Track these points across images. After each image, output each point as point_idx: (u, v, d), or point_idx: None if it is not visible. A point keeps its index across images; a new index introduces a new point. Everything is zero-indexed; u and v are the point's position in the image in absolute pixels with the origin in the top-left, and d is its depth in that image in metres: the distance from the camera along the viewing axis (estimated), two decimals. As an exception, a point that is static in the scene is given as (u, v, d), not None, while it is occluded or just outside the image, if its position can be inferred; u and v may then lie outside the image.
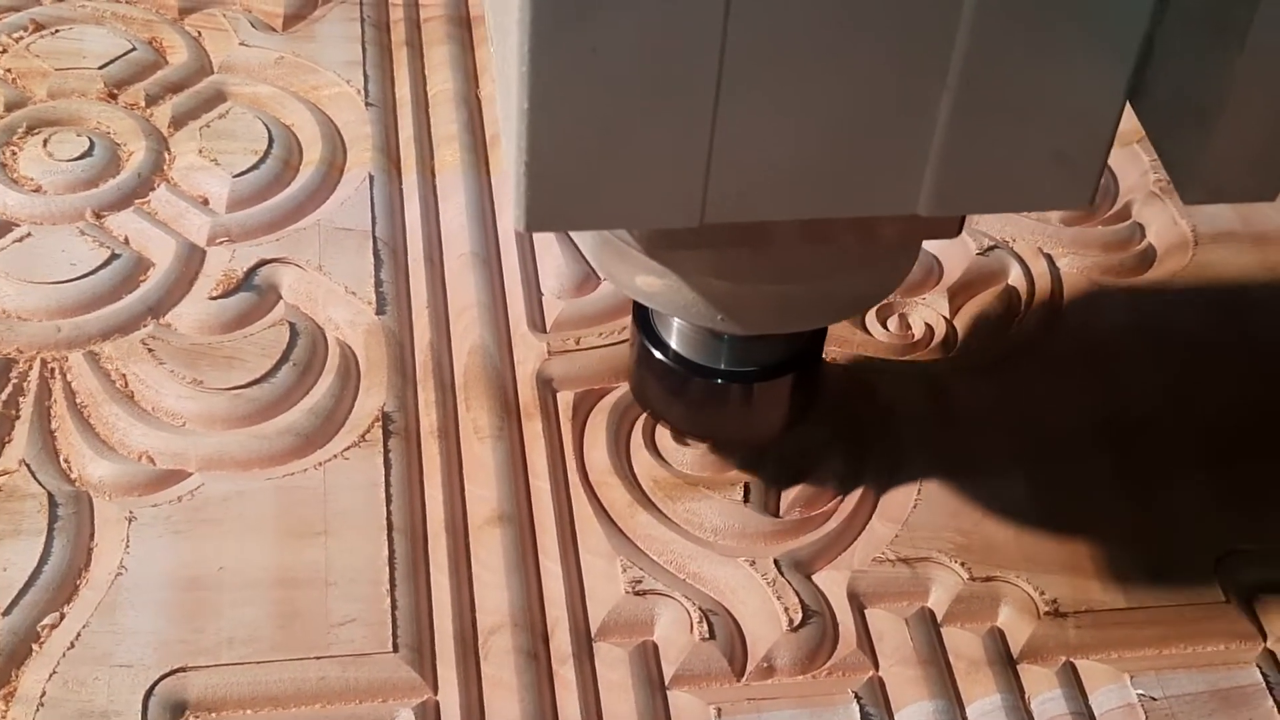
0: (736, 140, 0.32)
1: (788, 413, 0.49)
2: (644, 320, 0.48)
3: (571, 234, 0.47)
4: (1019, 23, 0.31)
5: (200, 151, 0.59)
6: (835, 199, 0.34)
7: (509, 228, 0.58)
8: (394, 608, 0.46)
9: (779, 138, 0.33)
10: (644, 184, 0.33)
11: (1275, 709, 0.46)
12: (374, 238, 0.57)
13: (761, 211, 0.34)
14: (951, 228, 0.40)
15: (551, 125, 0.31)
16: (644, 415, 0.52)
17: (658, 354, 0.47)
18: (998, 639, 0.47)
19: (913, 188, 0.34)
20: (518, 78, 0.30)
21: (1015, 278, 0.58)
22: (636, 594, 0.47)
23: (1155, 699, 0.45)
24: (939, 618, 0.47)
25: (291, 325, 0.53)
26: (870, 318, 0.56)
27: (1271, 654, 0.47)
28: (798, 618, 0.46)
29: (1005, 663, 0.46)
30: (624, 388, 0.53)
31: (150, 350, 0.52)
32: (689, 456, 0.51)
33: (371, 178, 0.59)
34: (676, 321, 0.47)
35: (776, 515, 0.50)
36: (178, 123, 0.61)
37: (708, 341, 0.46)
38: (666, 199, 0.33)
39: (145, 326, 0.53)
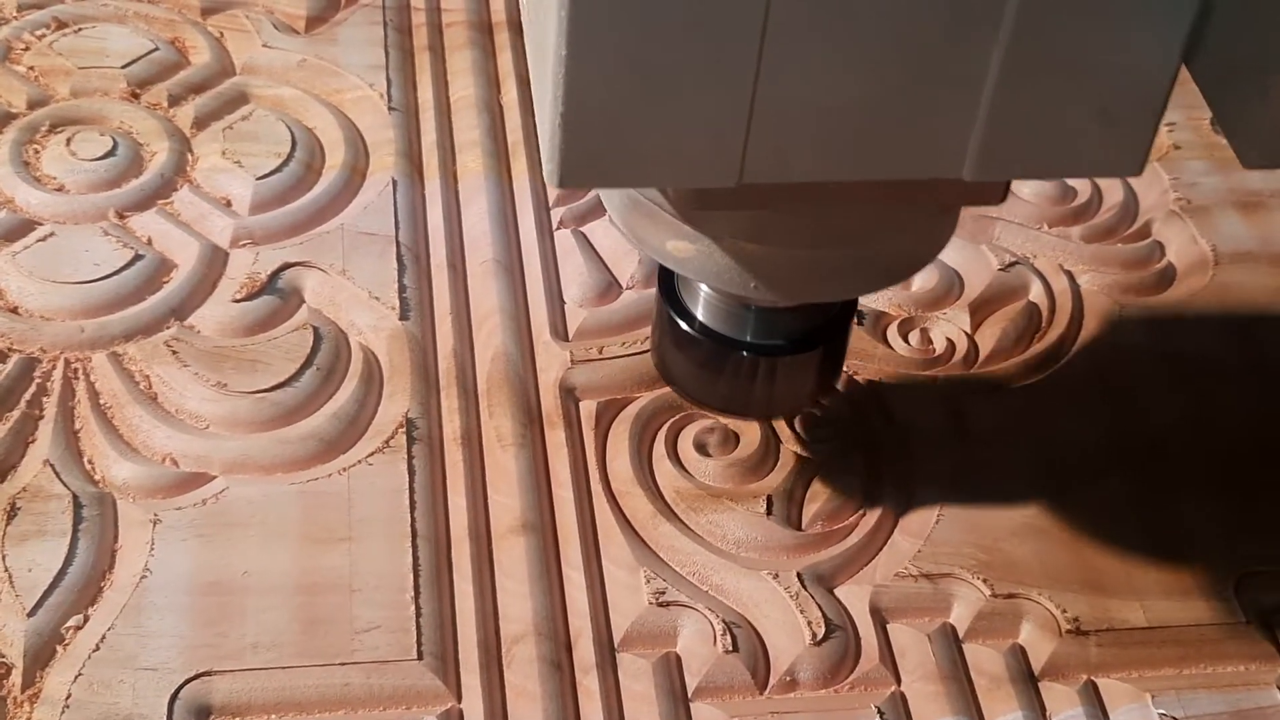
0: (779, 95, 0.31)
1: (814, 387, 0.49)
2: (669, 290, 0.47)
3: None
4: None
5: (223, 153, 0.59)
6: (879, 160, 0.33)
7: (531, 235, 0.58)
8: (418, 615, 0.46)
9: (823, 93, 0.32)
10: (683, 140, 0.32)
11: (1296, 730, 0.46)
12: (397, 243, 0.57)
13: (802, 172, 0.33)
14: (996, 193, 0.38)
15: (591, 73, 0.30)
16: (667, 425, 0.52)
17: (683, 325, 0.47)
18: (1019, 656, 0.47)
19: (959, 150, 0.33)
20: (557, 21, 0.29)
21: (1036, 294, 0.58)
22: (660, 605, 0.47)
23: (1176, 718, 0.45)
24: (961, 634, 0.48)
25: (315, 329, 0.53)
26: (892, 332, 0.56)
27: (1291, 675, 0.47)
28: (821, 631, 0.47)
29: (1027, 680, 0.47)
30: (647, 397, 0.53)
31: (174, 352, 0.52)
32: (712, 468, 0.51)
33: (395, 182, 0.59)
34: (702, 291, 0.46)
35: (799, 528, 0.50)
36: (200, 124, 0.61)
37: (734, 312, 0.46)
38: (705, 156, 0.33)
39: (168, 328, 0.53)
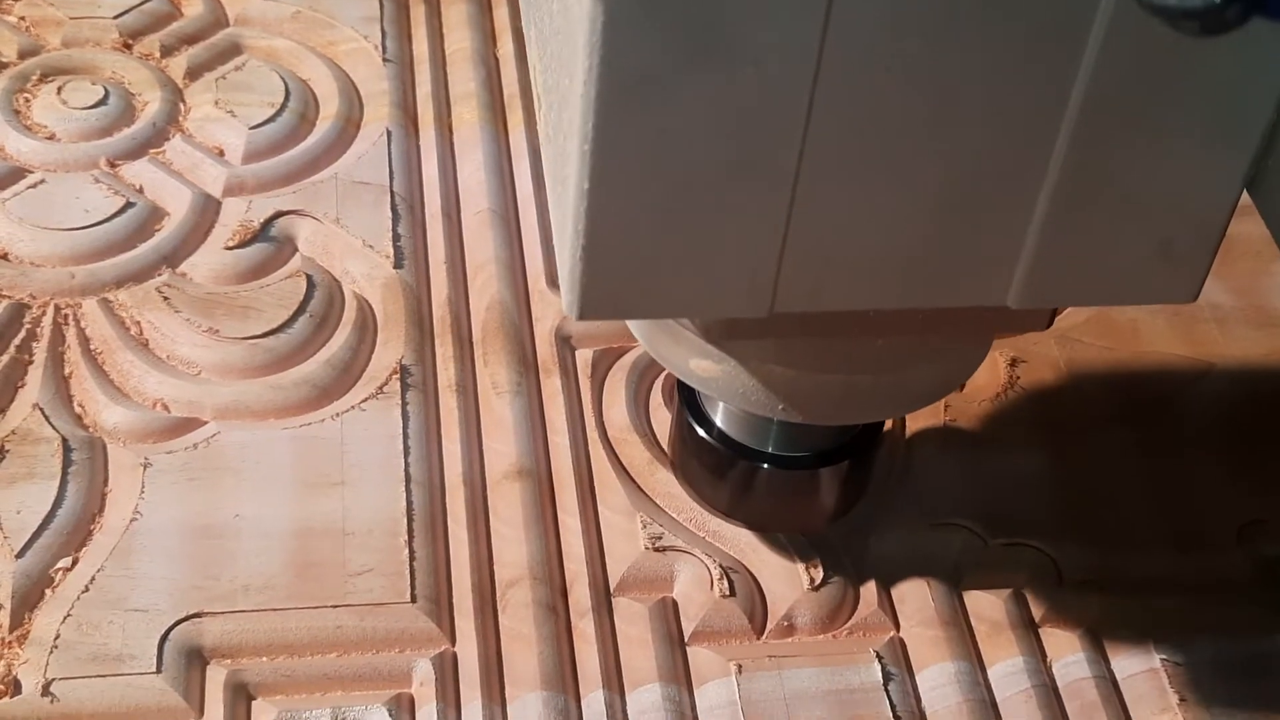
0: (815, 227, 0.30)
1: (838, 502, 0.46)
2: (689, 393, 0.45)
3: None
4: (1132, 113, 0.28)
5: (216, 103, 0.58)
6: (919, 289, 0.32)
7: (527, 186, 0.57)
8: (412, 559, 0.45)
9: (862, 225, 0.30)
10: (710, 272, 0.30)
11: (1298, 677, 0.45)
12: (391, 192, 0.56)
13: (837, 301, 0.31)
14: (1041, 320, 0.36)
15: (613, 207, 0.28)
16: (664, 373, 0.52)
17: (701, 431, 0.44)
18: (1020, 603, 0.47)
19: (1003, 278, 0.31)
20: (579, 155, 0.27)
21: (1036, 247, 0.57)
22: (656, 550, 0.46)
23: (1179, 664, 0.45)
24: (961, 581, 0.47)
25: (308, 277, 0.53)
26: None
27: (1294, 623, 0.47)
28: (819, 577, 0.46)
29: (1027, 626, 0.46)
30: (643, 346, 0.52)
31: (165, 298, 0.51)
32: (709, 416, 0.50)
33: (389, 133, 0.58)
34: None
35: (797, 476, 0.49)
36: (193, 74, 0.60)
37: (756, 422, 0.43)
38: (734, 288, 0.31)
39: (160, 275, 0.52)
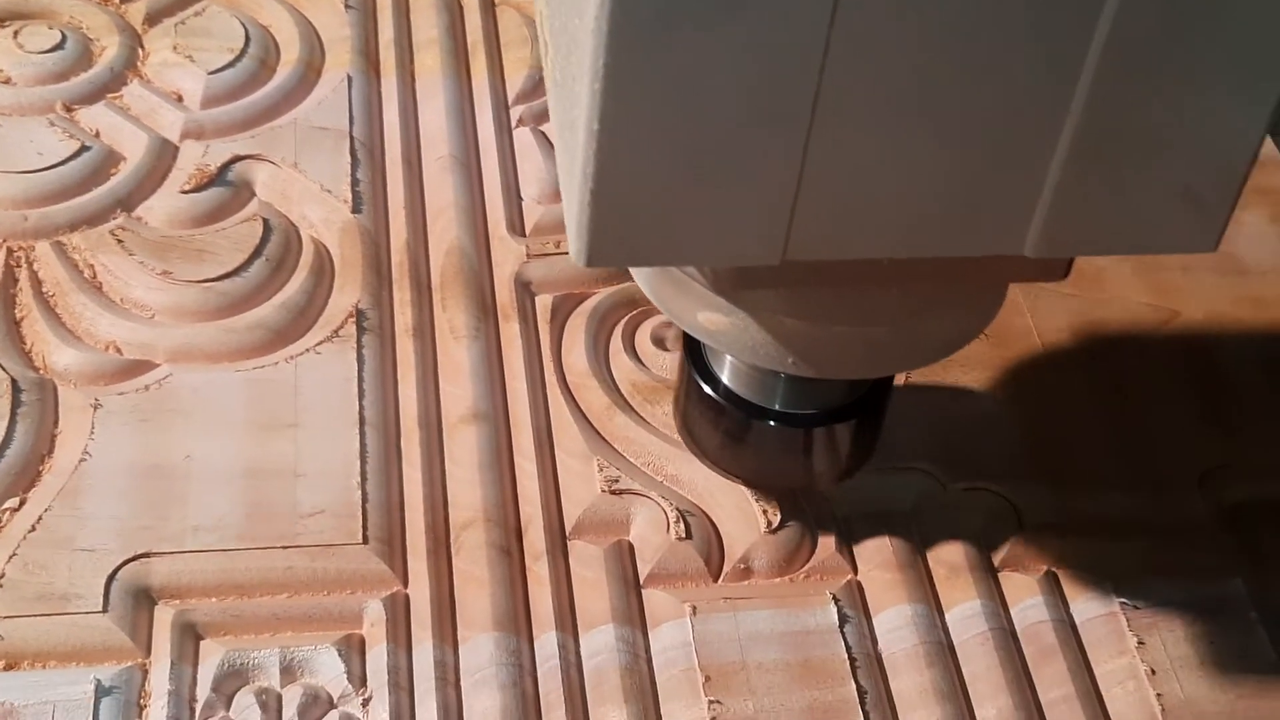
0: (830, 171, 0.29)
1: (845, 461, 0.45)
2: (694, 350, 0.44)
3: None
4: (1157, 52, 0.27)
5: (175, 48, 0.58)
6: (935, 237, 0.31)
7: (489, 132, 0.57)
8: (364, 500, 0.45)
9: (878, 170, 0.29)
10: (722, 217, 0.29)
11: (1258, 621, 0.45)
12: (351, 138, 0.56)
13: (851, 249, 0.31)
14: (1059, 269, 0.35)
15: (622, 149, 0.27)
16: (624, 320, 0.51)
17: (706, 388, 0.43)
18: (979, 547, 0.46)
19: (1021, 226, 0.30)
20: (588, 95, 0.27)
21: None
22: (613, 493, 0.46)
23: (1138, 607, 0.45)
24: (919, 525, 0.47)
25: (265, 221, 0.52)
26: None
27: (1254, 567, 0.46)
28: (776, 520, 0.46)
29: (985, 570, 0.46)
30: (604, 293, 0.52)
31: (119, 241, 0.51)
32: (669, 361, 0.50)
33: (350, 79, 0.58)
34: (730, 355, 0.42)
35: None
36: (152, 19, 0.59)
37: (764, 379, 0.42)
38: (746, 234, 0.30)
39: (115, 218, 0.52)
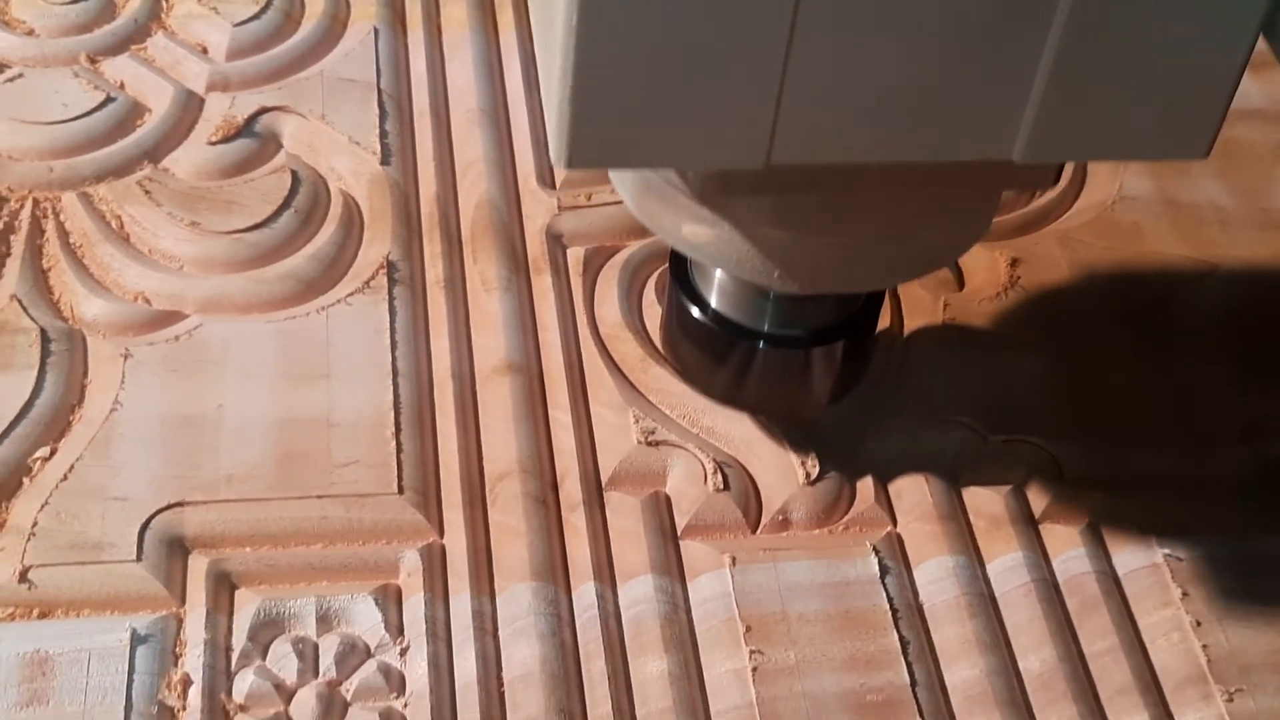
0: (814, 71, 0.28)
1: (835, 384, 0.44)
2: (681, 273, 0.43)
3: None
4: None
5: (199, 0, 0.57)
6: (922, 141, 0.30)
7: (518, 86, 0.56)
8: (399, 451, 0.44)
9: (863, 69, 0.28)
10: (704, 118, 0.29)
11: (1302, 574, 0.44)
12: (379, 90, 0.55)
13: (836, 153, 0.30)
14: (1048, 176, 0.35)
15: (603, 45, 0.27)
16: (658, 272, 0.51)
17: (695, 311, 0.43)
18: (1019, 499, 0.46)
19: (1009, 131, 0.30)
20: None
21: (1037, 150, 0.56)
22: (649, 444, 0.45)
23: (1181, 559, 0.44)
24: (959, 478, 0.46)
25: (293, 173, 0.51)
26: (889, 184, 0.54)
27: (1299, 520, 0.46)
28: (815, 472, 0.45)
29: (1027, 522, 0.45)
30: (636, 245, 0.51)
31: (147, 192, 0.50)
32: (703, 313, 0.49)
33: (376, 31, 0.57)
34: (718, 276, 0.42)
35: (792, 374, 0.48)
36: (176, -28, 0.59)
37: (752, 300, 0.41)
38: (729, 136, 0.29)
39: (141, 169, 0.51)
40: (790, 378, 0.43)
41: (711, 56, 0.28)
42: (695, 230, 0.36)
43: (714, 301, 0.42)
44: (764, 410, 0.46)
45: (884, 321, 0.49)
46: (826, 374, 0.44)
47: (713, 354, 0.43)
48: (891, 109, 0.30)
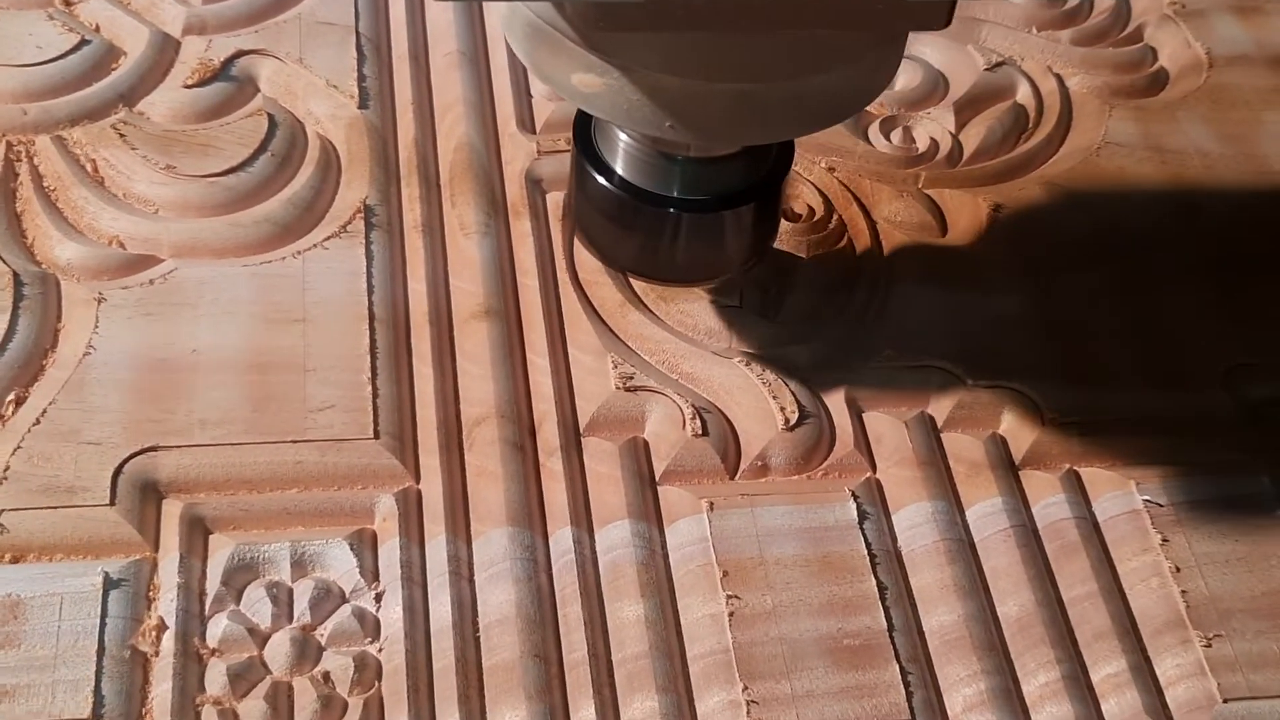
0: None
1: (748, 248, 0.44)
2: (585, 140, 0.42)
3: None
4: None
5: (175, -58, 0.56)
6: None
7: (497, 29, 0.56)
8: (375, 395, 0.44)
9: None
10: None
11: (1283, 519, 0.44)
12: (357, 33, 0.54)
13: None
14: (939, 15, 0.33)
15: None
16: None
17: (601, 179, 0.42)
18: (999, 445, 0.45)
19: None
20: None
21: (1024, 95, 0.56)
22: (627, 390, 0.45)
23: (1161, 505, 0.44)
24: (939, 423, 0.46)
25: (270, 116, 0.51)
26: (874, 129, 0.54)
27: (1279, 465, 0.46)
28: (794, 418, 0.45)
29: (1007, 467, 0.45)
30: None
31: (121, 136, 0.50)
32: (683, 258, 0.49)
33: (355, -27, 0.56)
34: (623, 141, 0.41)
35: (772, 320, 0.48)
36: (152, -87, 0.58)
37: (659, 165, 0.41)
38: None
39: (116, 113, 0.51)
40: (701, 243, 0.43)
41: None
42: (585, 79, 0.35)
43: (620, 168, 0.42)
44: (674, 279, 0.45)
45: (866, 267, 0.49)
46: (738, 238, 0.43)
47: (621, 223, 0.43)
48: None
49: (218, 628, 0.39)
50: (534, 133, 0.52)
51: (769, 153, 0.43)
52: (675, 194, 0.42)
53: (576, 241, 0.49)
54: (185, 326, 0.45)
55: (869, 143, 0.53)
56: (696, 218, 0.42)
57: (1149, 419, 0.46)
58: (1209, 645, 0.41)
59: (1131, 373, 0.47)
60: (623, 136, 0.41)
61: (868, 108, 0.53)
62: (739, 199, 0.42)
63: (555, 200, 0.50)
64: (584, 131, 0.43)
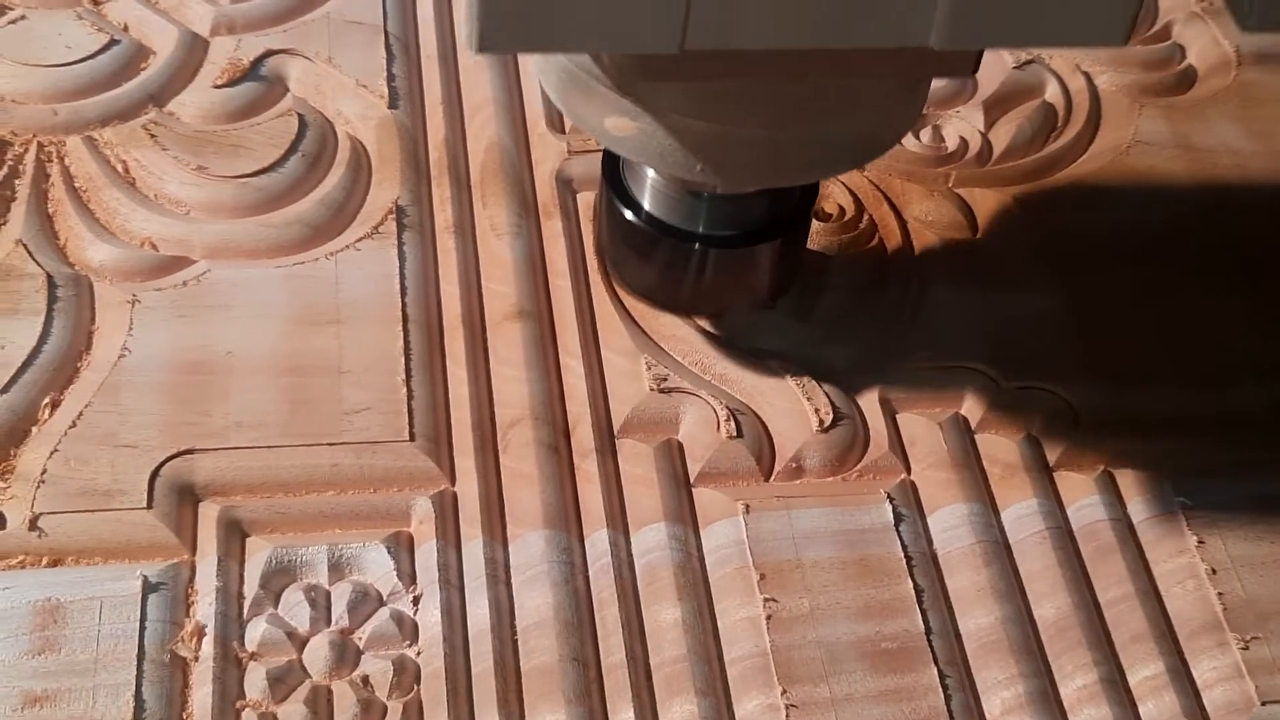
0: None
1: (772, 283, 0.44)
2: (613, 174, 0.43)
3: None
4: None
5: (202, -59, 0.56)
6: (838, 25, 0.30)
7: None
8: (410, 398, 0.44)
9: None
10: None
11: (1318, 520, 0.44)
12: (386, 32, 0.54)
13: (754, 38, 0.30)
14: (966, 64, 0.34)
15: None
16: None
17: (628, 214, 0.43)
18: (1034, 446, 0.45)
19: (925, 16, 0.29)
20: None
21: (1052, 94, 0.56)
22: (661, 391, 0.45)
23: (1197, 506, 0.44)
24: (973, 424, 0.46)
25: (300, 116, 0.51)
26: (902, 128, 0.54)
27: (1315, 467, 0.46)
28: (828, 419, 0.45)
29: (1041, 469, 0.45)
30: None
31: (152, 136, 0.50)
32: (715, 258, 0.49)
33: (382, -28, 0.56)
34: (650, 176, 0.42)
35: (806, 321, 0.48)
36: (178, -88, 0.58)
37: (685, 201, 0.42)
38: (643, 16, 0.29)
39: (146, 113, 0.51)
40: (727, 278, 0.44)
41: None
42: (618, 123, 0.36)
43: (647, 204, 0.42)
44: (700, 312, 0.46)
45: (897, 266, 0.49)
46: (763, 273, 0.44)
47: (647, 257, 0.43)
48: None
49: (256, 631, 0.39)
50: (564, 133, 0.52)
51: (793, 189, 0.43)
52: (701, 229, 0.42)
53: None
54: (219, 328, 0.45)
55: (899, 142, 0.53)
56: (722, 253, 0.43)
57: (1182, 419, 0.46)
58: (1246, 648, 0.41)
59: (1164, 373, 0.47)
60: (650, 173, 0.42)
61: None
62: (765, 234, 0.43)
63: (586, 200, 0.50)
64: (611, 164, 0.43)
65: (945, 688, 0.40)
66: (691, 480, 0.44)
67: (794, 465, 0.44)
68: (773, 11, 0.29)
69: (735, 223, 0.42)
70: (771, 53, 0.31)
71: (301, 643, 0.39)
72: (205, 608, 0.40)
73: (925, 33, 0.30)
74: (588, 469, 0.44)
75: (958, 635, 0.42)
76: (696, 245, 0.43)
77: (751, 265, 0.43)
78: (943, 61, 0.33)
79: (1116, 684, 0.41)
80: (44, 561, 0.40)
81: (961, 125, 0.54)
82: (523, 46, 0.30)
